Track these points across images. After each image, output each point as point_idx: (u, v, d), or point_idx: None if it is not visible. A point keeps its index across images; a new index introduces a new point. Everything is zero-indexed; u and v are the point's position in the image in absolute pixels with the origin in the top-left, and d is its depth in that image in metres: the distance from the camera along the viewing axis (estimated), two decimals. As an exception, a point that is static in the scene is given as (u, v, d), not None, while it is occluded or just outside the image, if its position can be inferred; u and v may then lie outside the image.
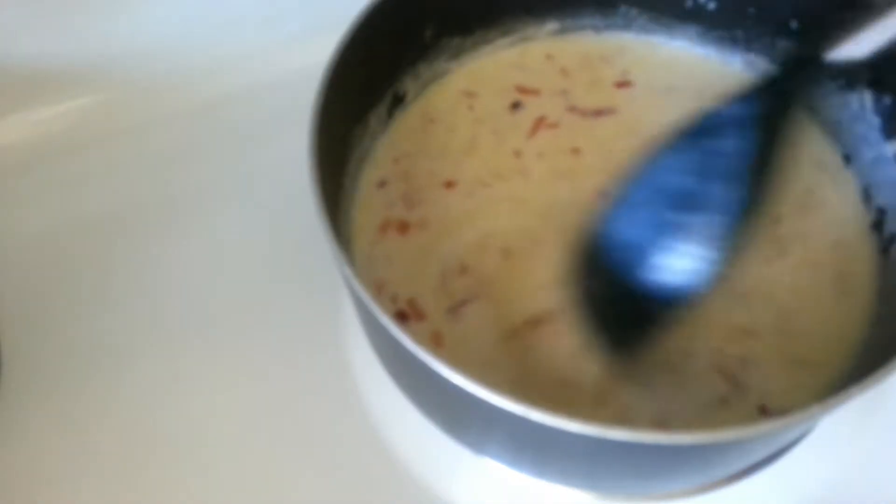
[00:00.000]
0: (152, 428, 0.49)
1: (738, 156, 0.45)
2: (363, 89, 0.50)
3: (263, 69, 0.62)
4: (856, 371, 0.44)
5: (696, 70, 0.56)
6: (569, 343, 0.45)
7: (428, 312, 0.47)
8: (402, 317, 0.47)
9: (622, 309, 0.45)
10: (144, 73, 0.61)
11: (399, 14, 0.48)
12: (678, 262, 0.44)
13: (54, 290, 0.54)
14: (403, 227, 0.50)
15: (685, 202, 0.45)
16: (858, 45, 0.44)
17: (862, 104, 0.50)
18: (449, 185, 0.51)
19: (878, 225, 0.49)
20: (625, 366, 0.44)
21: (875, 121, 0.50)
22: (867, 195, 0.50)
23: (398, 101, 0.53)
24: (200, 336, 0.52)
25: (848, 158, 0.51)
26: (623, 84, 0.55)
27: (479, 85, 0.55)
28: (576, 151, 0.52)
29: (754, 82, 0.49)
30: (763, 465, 0.47)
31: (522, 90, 0.55)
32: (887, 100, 0.49)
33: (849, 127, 0.51)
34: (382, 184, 0.51)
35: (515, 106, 0.54)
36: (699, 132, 0.47)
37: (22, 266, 0.54)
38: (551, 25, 0.56)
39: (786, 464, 0.47)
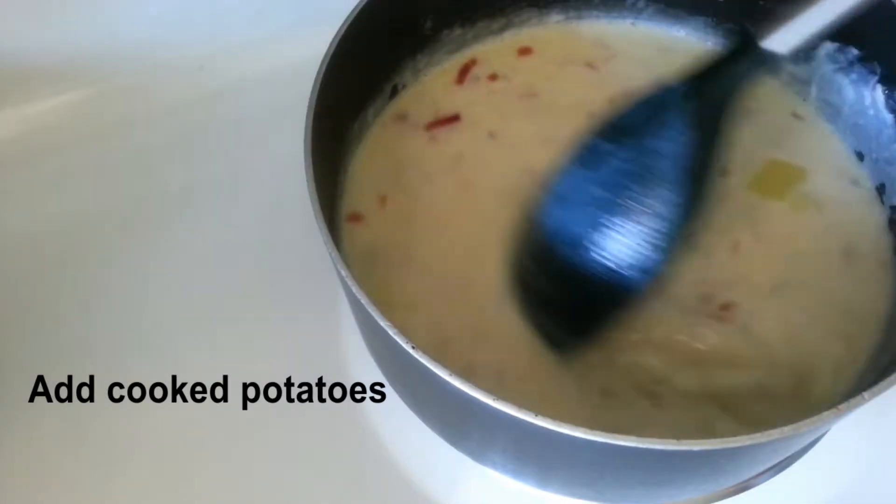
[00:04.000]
0: (151, 427, 0.49)
1: (672, 157, 0.43)
2: (361, 82, 0.50)
3: (257, 62, 0.62)
4: (869, 372, 0.44)
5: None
6: None
7: None
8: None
9: (563, 304, 0.44)
10: (136, 67, 0.61)
11: (397, 5, 0.48)
12: (615, 259, 0.43)
13: (46, 285, 0.54)
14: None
15: (618, 200, 0.43)
16: (783, 39, 0.43)
17: (874, 101, 0.50)
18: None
19: (892, 223, 0.49)
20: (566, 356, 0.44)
21: (887, 118, 0.50)
22: (881, 193, 0.50)
23: (397, 94, 0.53)
24: (197, 335, 0.51)
25: (861, 156, 0.51)
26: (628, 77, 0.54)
27: None
28: None
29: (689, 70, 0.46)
30: (775, 470, 0.47)
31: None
32: (899, 96, 0.49)
33: (861, 124, 0.51)
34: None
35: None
36: (634, 119, 0.44)
37: (13, 262, 0.54)
38: (555, 16, 0.56)
39: (798, 470, 0.47)
